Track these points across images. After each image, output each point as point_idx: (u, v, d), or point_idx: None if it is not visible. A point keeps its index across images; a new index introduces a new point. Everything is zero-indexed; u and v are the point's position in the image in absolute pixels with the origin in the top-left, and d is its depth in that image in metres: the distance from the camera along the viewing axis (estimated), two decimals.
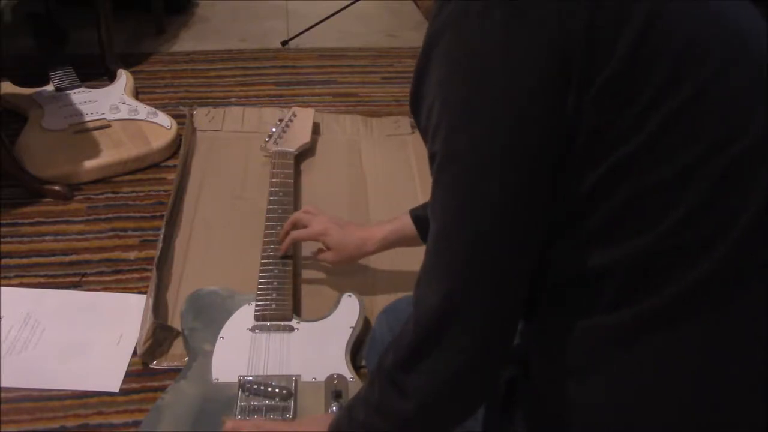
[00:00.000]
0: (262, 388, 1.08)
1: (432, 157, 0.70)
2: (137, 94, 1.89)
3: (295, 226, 1.34)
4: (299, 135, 1.71)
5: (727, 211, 0.64)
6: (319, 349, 1.16)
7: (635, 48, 0.63)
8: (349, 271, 1.39)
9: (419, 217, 1.21)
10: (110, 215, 1.55)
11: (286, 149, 1.64)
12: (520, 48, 0.64)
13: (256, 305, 1.22)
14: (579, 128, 0.64)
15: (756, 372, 0.66)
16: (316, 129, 1.79)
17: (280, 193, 1.47)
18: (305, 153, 1.72)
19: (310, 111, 1.80)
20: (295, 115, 1.76)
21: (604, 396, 0.70)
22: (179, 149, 1.71)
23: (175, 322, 1.27)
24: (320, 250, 1.34)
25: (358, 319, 1.23)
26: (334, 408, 1.03)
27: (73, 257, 1.44)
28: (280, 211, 1.42)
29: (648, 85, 0.63)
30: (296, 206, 1.50)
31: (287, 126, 1.71)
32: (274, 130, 1.69)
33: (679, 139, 0.64)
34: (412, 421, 0.74)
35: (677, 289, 0.65)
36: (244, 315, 1.21)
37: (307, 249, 1.43)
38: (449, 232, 0.69)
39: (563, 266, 0.70)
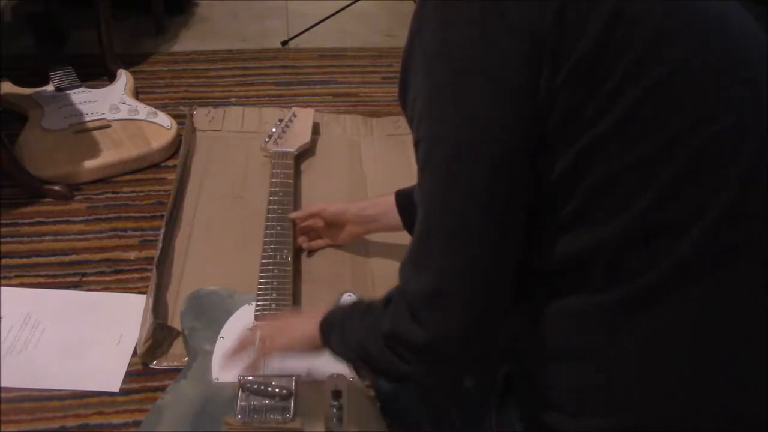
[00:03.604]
0: (262, 387, 1.07)
1: (417, 144, 0.72)
2: (137, 94, 1.89)
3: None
4: (299, 135, 1.71)
5: (704, 191, 0.65)
6: None
7: (606, 28, 0.64)
8: (349, 271, 1.39)
9: (400, 192, 1.28)
10: (110, 215, 1.54)
11: (286, 149, 1.63)
12: (497, 37, 0.66)
13: (257, 305, 1.22)
14: (553, 111, 0.65)
15: (742, 348, 0.66)
16: (315, 129, 1.79)
17: (280, 194, 1.47)
18: (305, 153, 1.72)
19: (310, 111, 1.80)
20: (295, 116, 1.76)
21: (595, 378, 0.71)
22: (179, 149, 1.71)
23: (175, 322, 1.27)
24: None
25: None
26: (334, 407, 1.03)
27: (73, 257, 1.44)
28: (280, 211, 1.42)
29: (619, 65, 0.64)
30: (296, 206, 1.51)
31: (287, 126, 1.71)
32: (274, 130, 1.69)
33: (651, 119, 0.65)
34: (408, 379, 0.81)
35: (660, 270, 0.65)
36: (245, 315, 1.21)
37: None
38: (434, 218, 0.71)
39: (549, 251, 0.71)
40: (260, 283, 1.26)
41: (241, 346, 1.05)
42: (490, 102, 0.66)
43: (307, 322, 0.93)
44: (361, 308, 0.86)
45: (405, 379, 0.84)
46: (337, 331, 0.88)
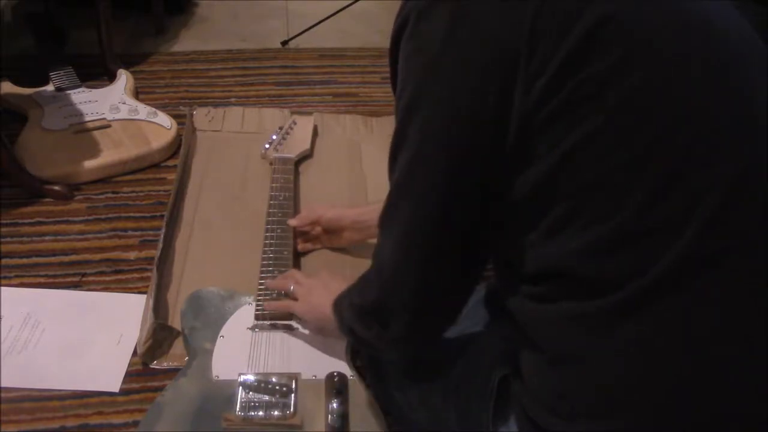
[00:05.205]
0: (262, 385, 1.08)
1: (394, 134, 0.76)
2: (137, 94, 1.89)
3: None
4: (299, 142, 1.71)
5: (694, 191, 0.64)
6: (319, 347, 1.16)
7: (591, 31, 0.63)
8: (348, 272, 1.39)
9: None
10: (110, 215, 1.55)
11: (287, 155, 1.64)
12: (462, 45, 0.67)
13: (257, 304, 1.22)
14: (532, 118, 0.65)
15: (741, 348, 0.66)
16: (315, 129, 1.79)
17: (281, 197, 1.48)
18: (305, 156, 1.73)
19: (310, 119, 1.81)
20: (295, 123, 1.76)
21: (590, 382, 0.71)
22: (179, 149, 1.71)
23: (175, 322, 1.27)
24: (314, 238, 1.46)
25: None
26: (334, 405, 1.03)
27: (73, 257, 1.44)
28: (280, 214, 1.42)
29: (604, 66, 0.63)
30: (296, 210, 1.51)
31: (287, 133, 1.72)
32: (274, 137, 1.70)
33: (636, 119, 0.64)
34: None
35: (653, 272, 0.65)
36: (245, 314, 1.21)
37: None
38: (395, 211, 0.78)
39: (539, 257, 0.71)
40: (260, 283, 1.26)
41: (276, 286, 1.21)
42: (448, 115, 0.69)
43: (330, 296, 1.01)
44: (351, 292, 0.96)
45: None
46: (338, 314, 0.97)
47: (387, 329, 0.85)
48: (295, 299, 1.16)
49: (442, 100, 0.69)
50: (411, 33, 0.71)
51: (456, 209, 0.73)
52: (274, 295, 1.22)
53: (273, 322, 1.20)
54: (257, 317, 1.20)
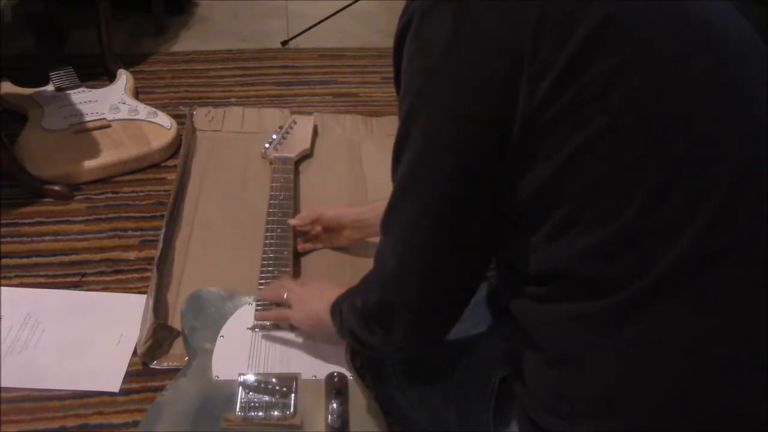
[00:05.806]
0: (262, 385, 1.08)
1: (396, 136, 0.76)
2: (137, 94, 1.89)
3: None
4: (299, 141, 1.71)
5: (695, 193, 0.64)
6: (319, 347, 1.16)
7: (594, 32, 0.63)
8: (348, 271, 1.39)
9: None
10: (110, 215, 1.55)
11: (287, 155, 1.64)
12: (465, 46, 0.67)
13: (257, 305, 1.22)
14: (537, 118, 0.65)
15: (741, 348, 0.66)
16: (315, 130, 1.79)
17: (281, 197, 1.48)
18: (305, 156, 1.73)
19: (310, 118, 1.81)
20: (295, 123, 1.76)
21: (590, 382, 0.71)
22: (179, 149, 1.71)
23: (175, 322, 1.27)
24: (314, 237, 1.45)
25: None
26: (334, 405, 1.03)
27: (73, 257, 1.44)
28: (280, 213, 1.43)
29: (606, 67, 0.63)
30: (296, 210, 1.51)
31: (287, 133, 1.72)
32: (274, 137, 1.70)
33: (637, 122, 0.64)
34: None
35: (654, 274, 0.65)
36: (245, 314, 1.21)
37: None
38: (398, 211, 0.78)
39: (541, 258, 0.71)
40: (261, 283, 1.26)
41: (269, 297, 1.20)
42: (451, 116, 0.69)
43: (325, 301, 1.00)
44: (350, 295, 0.94)
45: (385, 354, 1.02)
46: (338, 317, 0.96)
47: (390, 332, 0.84)
48: (289, 307, 1.16)
49: (445, 100, 0.69)
50: (414, 34, 0.71)
51: (459, 211, 0.73)
52: (267, 304, 1.22)
53: (273, 322, 1.19)
54: (257, 317, 1.20)
